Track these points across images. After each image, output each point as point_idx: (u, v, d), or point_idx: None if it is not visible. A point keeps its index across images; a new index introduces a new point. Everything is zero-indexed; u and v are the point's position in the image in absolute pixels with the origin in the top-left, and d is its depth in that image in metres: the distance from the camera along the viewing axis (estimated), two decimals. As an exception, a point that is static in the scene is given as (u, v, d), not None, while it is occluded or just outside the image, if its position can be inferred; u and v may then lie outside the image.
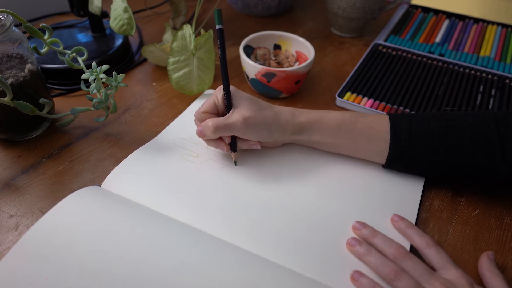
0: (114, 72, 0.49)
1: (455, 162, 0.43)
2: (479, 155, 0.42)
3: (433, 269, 0.37)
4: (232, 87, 0.46)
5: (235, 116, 0.44)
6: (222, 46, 0.46)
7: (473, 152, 0.43)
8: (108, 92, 0.49)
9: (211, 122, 0.45)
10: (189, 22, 0.78)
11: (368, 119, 0.46)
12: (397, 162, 0.46)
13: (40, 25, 0.51)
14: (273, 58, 0.64)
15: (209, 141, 0.48)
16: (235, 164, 0.48)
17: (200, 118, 0.47)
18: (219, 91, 0.46)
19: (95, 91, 0.48)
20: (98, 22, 0.67)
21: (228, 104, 0.46)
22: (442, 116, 0.45)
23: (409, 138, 0.44)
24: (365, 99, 0.60)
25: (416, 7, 0.86)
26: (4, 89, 0.42)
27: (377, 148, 0.46)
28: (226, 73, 0.46)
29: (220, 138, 0.47)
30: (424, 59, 0.68)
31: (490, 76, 0.65)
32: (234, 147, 0.47)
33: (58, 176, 0.47)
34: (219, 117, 0.46)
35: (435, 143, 0.43)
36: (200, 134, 0.46)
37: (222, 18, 0.46)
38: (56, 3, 0.80)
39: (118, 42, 0.66)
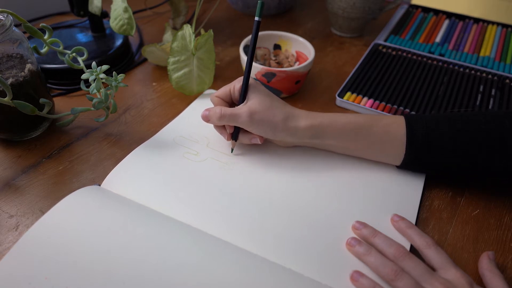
0: (114, 72, 0.49)
1: (473, 163, 0.43)
2: (496, 155, 0.42)
3: (433, 269, 0.37)
4: (253, 80, 0.47)
5: (243, 108, 0.45)
6: (255, 37, 0.47)
7: (490, 152, 0.42)
8: (108, 92, 0.49)
9: (219, 109, 0.46)
10: (189, 22, 0.78)
11: (383, 122, 0.46)
12: (413, 164, 0.46)
13: (40, 25, 0.51)
14: (273, 58, 0.64)
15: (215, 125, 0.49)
16: (231, 152, 0.50)
17: (212, 100, 0.49)
18: (238, 82, 0.47)
19: (95, 91, 0.48)
20: (98, 22, 0.67)
21: (243, 96, 0.46)
22: (458, 117, 0.45)
23: (425, 141, 0.43)
24: (365, 99, 0.60)
25: (416, 7, 0.86)
26: (4, 89, 0.42)
27: (393, 151, 0.46)
28: (250, 66, 0.47)
29: (224, 126, 0.48)
30: (424, 59, 0.68)
31: (490, 76, 0.65)
32: (236, 136, 0.48)
33: (58, 176, 0.47)
34: (230, 106, 0.47)
35: (451, 144, 0.43)
36: (205, 118, 0.47)
37: (262, 12, 0.46)
38: (56, 3, 0.80)
39: (118, 42, 0.66)
